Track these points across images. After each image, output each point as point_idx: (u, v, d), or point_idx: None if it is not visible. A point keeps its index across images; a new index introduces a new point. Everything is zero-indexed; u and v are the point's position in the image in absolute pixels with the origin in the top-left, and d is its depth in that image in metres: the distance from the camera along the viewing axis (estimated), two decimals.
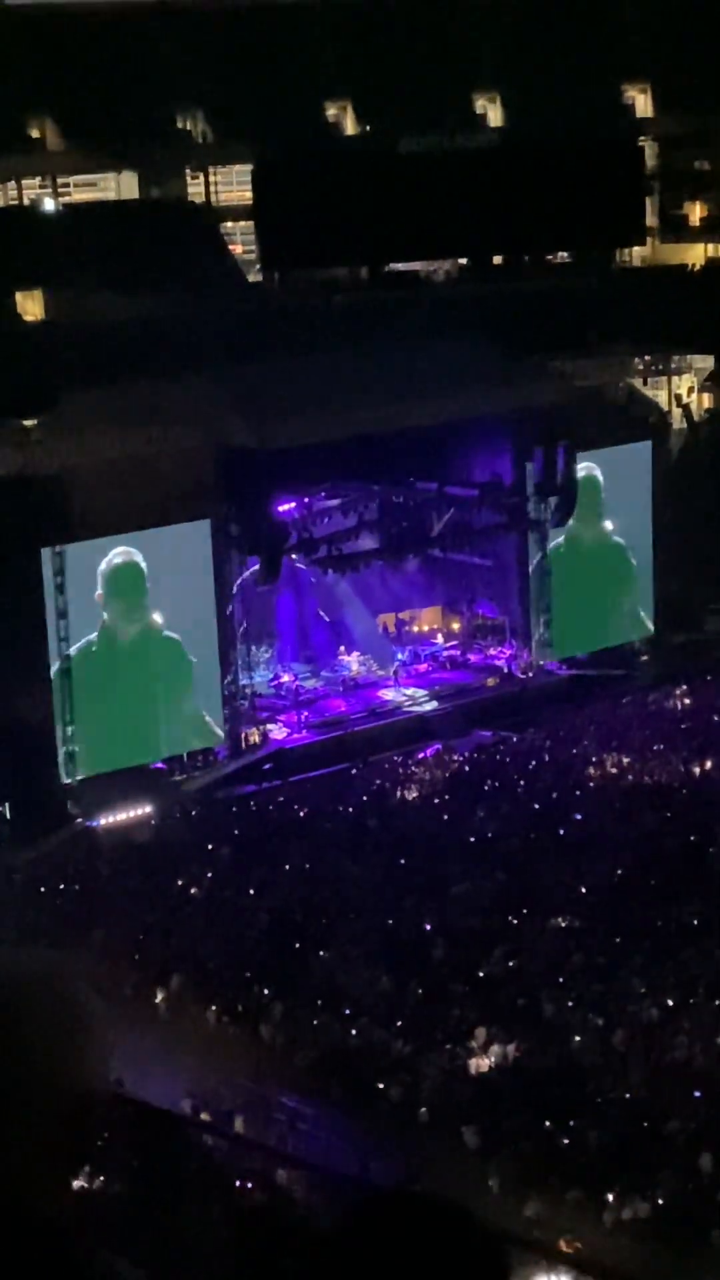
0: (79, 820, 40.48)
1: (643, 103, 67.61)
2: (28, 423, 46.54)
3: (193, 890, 34.81)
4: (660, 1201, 22.22)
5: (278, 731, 45.45)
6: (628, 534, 50.81)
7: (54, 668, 41.48)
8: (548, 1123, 24.24)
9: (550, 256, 64.55)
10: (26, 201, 60.67)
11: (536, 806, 38.99)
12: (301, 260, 59.75)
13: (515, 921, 31.74)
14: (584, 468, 48.95)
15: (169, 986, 30.28)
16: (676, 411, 60.44)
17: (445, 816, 38.92)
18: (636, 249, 65.44)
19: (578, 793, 39.83)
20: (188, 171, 62.83)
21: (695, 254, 66.59)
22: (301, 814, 40.02)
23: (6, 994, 3.15)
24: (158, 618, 43.06)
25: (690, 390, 61.45)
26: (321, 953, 30.85)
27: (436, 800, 40.41)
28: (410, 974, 29.56)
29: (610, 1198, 22.36)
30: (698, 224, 67.65)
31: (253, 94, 60.18)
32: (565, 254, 64.58)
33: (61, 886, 35.58)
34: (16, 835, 39.68)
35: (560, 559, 49.57)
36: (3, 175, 60.05)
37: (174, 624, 43.25)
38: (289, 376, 47.31)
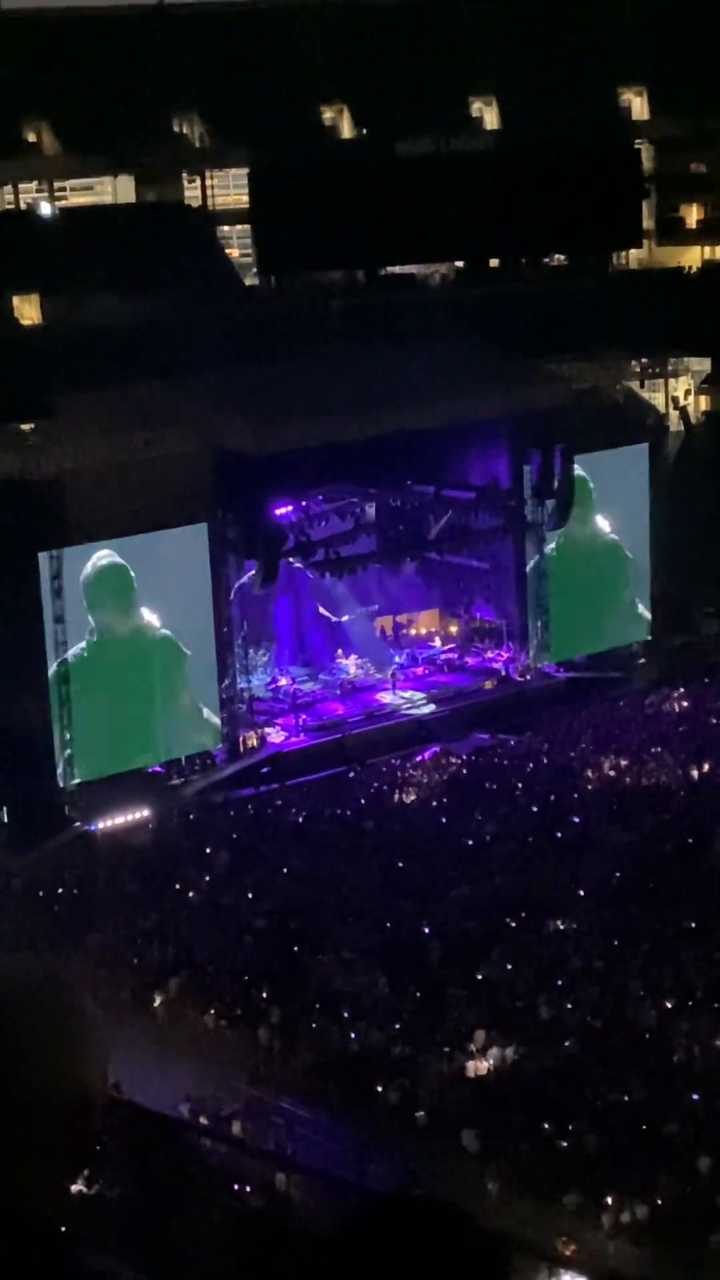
0: (77, 824, 40.47)
1: (639, 106, 67.67)
2: (25, 427, 46.51)
3: (190, 894, 34.81)
4: (659, 1204, 22.24)
5: (275, 735, 45.40)
6: (625, 537, 50.77)
7: (51, 671, 41.46)
8: (546, 1125, 24.25)
9: (547, 259, 64.63)
10: (23, 205, 60.68)
11: (534, 809, 39.02)
12: (298, 264, 59.74)
13: (513, 924, 31.75)
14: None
15: (167, 990, 30.29)
16: (674, 414, 60.45)
17: (443, 819, 38.93)
18: (633, 251, 65.51)
19: (575, 795, 39.85)
20: (184, 175, 62.84)
21: (692, 256, 66.69)
22: (299, 817, 39.99)
23: (3, 999, 3.16)
24: (150, 616, 42.97)
25: (687, 392, 61.44)
26: (320, 956, 30.85)
27: (434, 803, 40.39)
28: (408, 977, 29.57)
29: (609, 1200, 22.37)
30: (694, 226, 67.78)
31: (249, 98, 60.24)
32: (562, 257, 64.66)
33: (60, 891, 35.57)
34: (15, 840, 39.67)
35: (556, 561, 49.53)
36: None
37: (171, 627, 43.20)
38: (286, 380, 47.33)
